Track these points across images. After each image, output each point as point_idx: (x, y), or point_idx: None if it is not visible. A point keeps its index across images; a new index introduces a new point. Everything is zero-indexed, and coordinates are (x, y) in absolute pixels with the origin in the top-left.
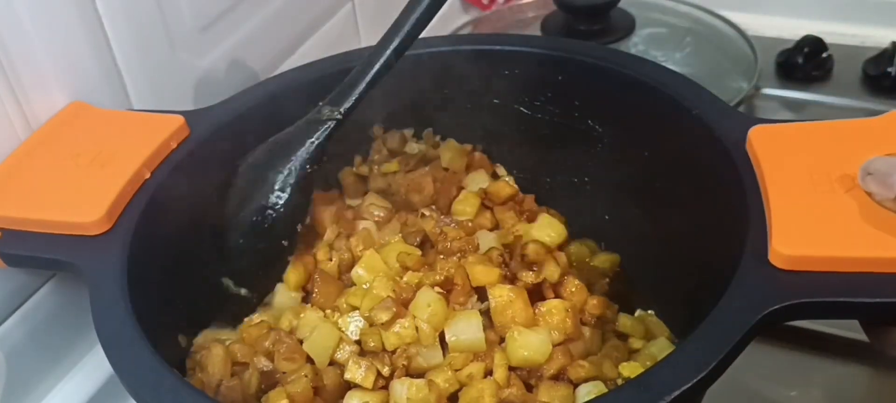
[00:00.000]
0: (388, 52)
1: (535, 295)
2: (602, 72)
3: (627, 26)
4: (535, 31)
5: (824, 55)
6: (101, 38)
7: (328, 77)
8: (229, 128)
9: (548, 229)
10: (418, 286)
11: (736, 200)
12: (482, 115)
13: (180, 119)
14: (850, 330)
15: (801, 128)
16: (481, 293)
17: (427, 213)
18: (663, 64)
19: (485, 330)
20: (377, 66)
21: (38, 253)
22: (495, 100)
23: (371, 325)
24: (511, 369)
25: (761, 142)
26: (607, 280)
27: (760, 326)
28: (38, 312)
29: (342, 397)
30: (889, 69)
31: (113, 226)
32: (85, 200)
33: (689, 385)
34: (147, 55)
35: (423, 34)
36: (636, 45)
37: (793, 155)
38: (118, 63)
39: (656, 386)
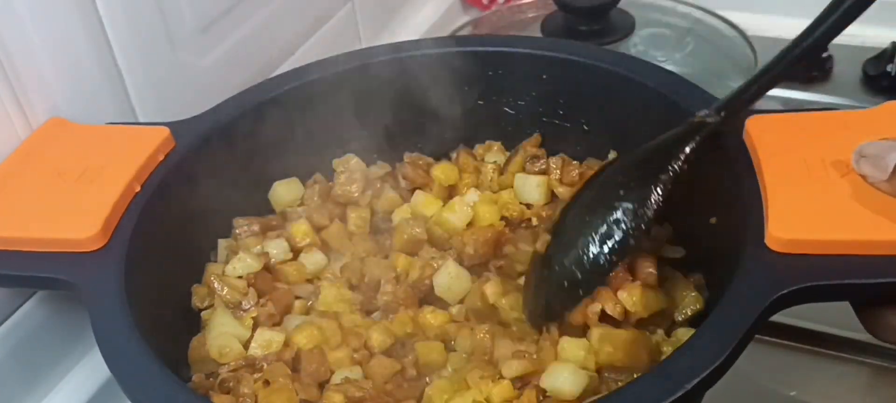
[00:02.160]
0: (797, 52)
1: None
2: (588, 71)
3: (627, 27)
4: (535, 31)
5: (824, 55)
6: (101, 39)
7: (317, 82)
8: (216, 137)
9: None
10: None
11: (735, 189)
12: (468, 116)
13: (166, 130)
14: (850, 329)
15: (798, 118)
16: None
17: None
18: (663, 64)
19: None
20: (780, 66)
21: (31, 272)
22: (480, 102)
23: None
24: None
25: (758, 131)
26: None
27: (769, 311)
28: (19, 330)
29: None
30: (889, 69)
31: (108, 242)
32: (78, 217)
33: (707, 372)
34: (148, 55)
35: (414, 35)
36: (636, 45)
37: (789, 143)
38: (118, 63)
39: (676, 375)
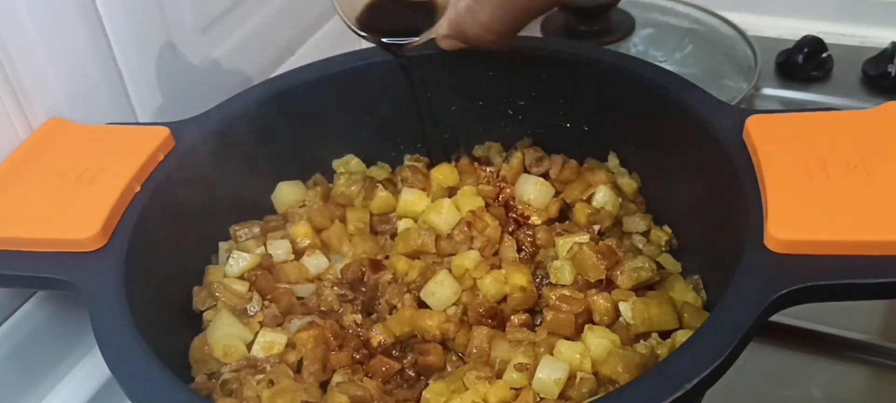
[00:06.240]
0: None
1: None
2: (588, 71)
3: (627, 27)
4: (535, 31)
5: (824, 55)
6: (101, 39)
7: (314, 82)
8: (215, 137)
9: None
10: None
11: (734, 189)
12: (467, 117)
13: (166, 131)
14: (850, 329)
15: (798, 118)
16: None
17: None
18: (663, 64)
19: None
20: None
21: (31, 272)
22: (480, 102)
23: None
24: None
25: (758, 131)
26: None
27: (769, 311)
28: (19, 330)
29: None
30: (889, 69)
31: (108, 242)
32: (78, 217)
33: (706, 372)
34: (148, 55)
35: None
36: (636, 45)
37: (789, 143)
38: (118, 63)
39: (676, 375)
